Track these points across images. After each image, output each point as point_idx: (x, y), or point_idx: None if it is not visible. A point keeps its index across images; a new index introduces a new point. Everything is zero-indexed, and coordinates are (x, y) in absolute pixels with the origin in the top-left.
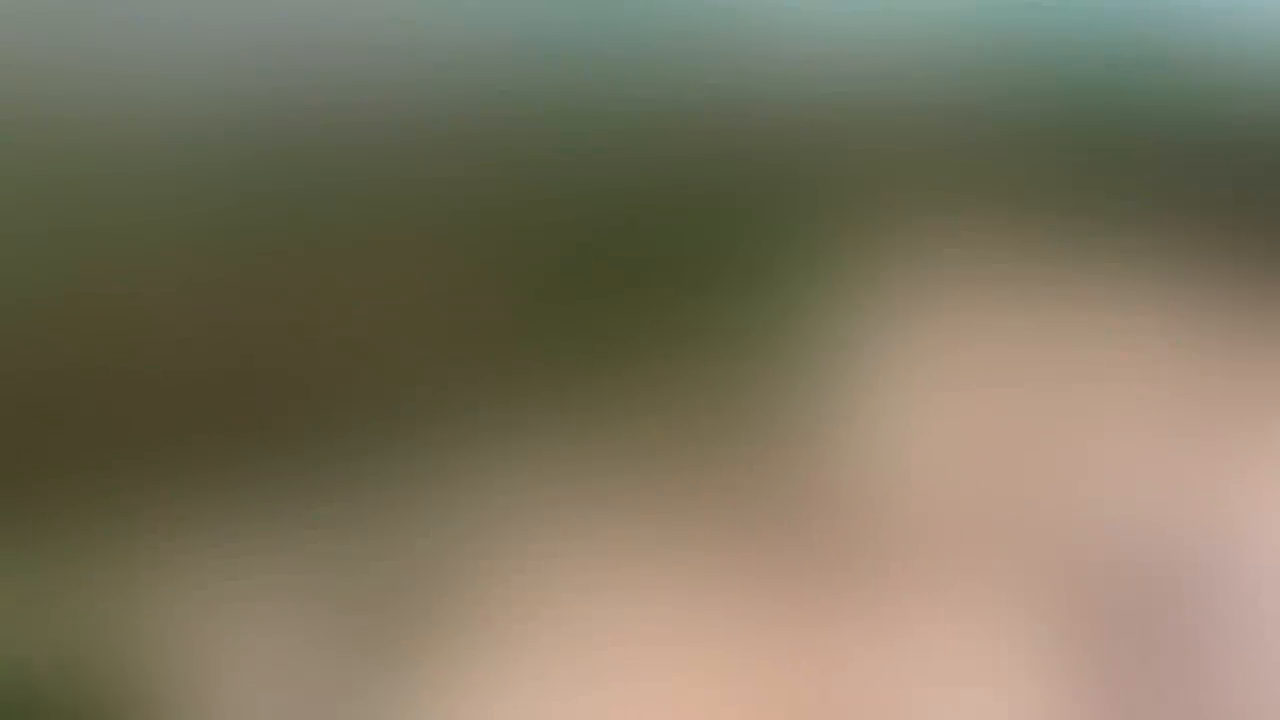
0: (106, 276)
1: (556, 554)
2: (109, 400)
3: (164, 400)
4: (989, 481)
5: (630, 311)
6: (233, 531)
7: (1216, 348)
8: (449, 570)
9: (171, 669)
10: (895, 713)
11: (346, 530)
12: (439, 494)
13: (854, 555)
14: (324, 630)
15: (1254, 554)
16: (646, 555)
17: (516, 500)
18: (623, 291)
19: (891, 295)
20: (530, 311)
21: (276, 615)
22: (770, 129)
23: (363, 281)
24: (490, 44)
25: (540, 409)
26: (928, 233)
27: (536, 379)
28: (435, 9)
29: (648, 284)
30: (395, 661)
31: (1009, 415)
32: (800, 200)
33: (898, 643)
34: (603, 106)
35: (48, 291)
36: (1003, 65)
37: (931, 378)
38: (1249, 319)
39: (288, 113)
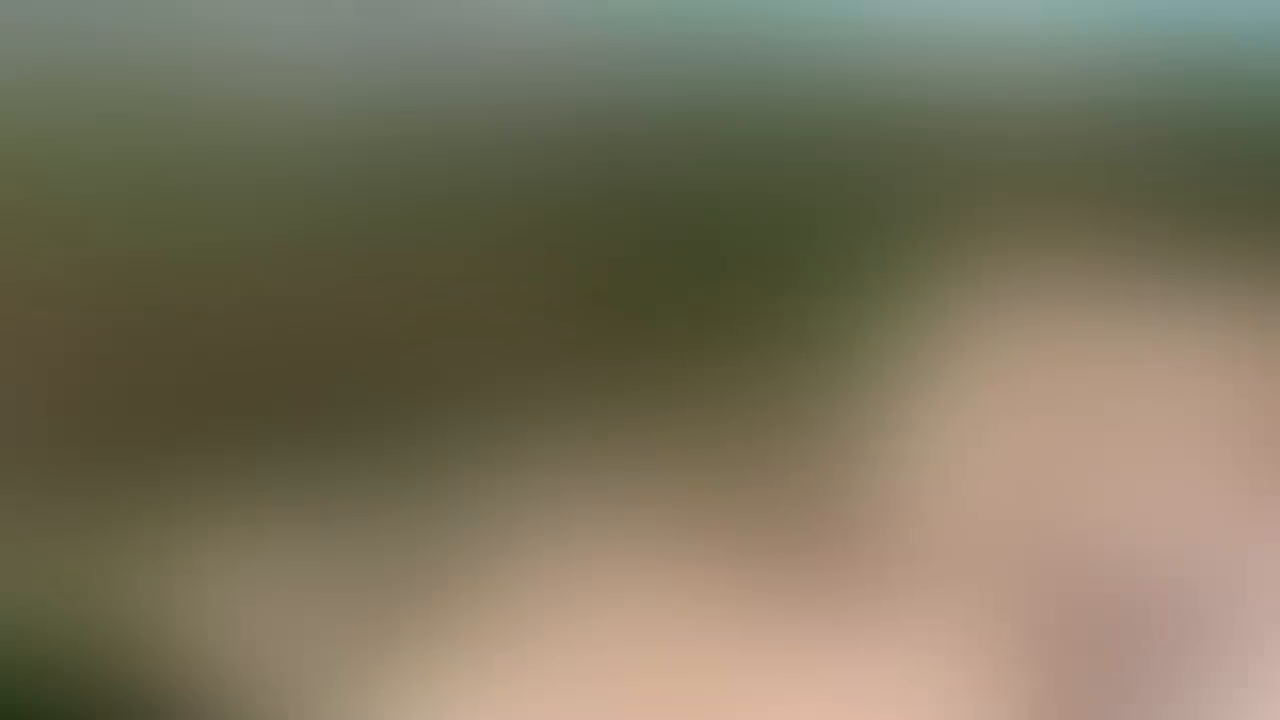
0: (152, 261)
1: (578, 554)
2: (128, 382)
3: (186, 385)
4: (1033, 509)
5: (684, 316)
6: (253, 517)
7: None
8: (465, 566)
9: (184, 654)
10: None
11: (371, 521)
12: (466, 488)
13: (876, 570)
14: (338, 621)
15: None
16: (672, 560)
17: (546, 499)
18: (681, 295)
19: (958, 312)
20: (574, 314)
21: (292, 603)
22: (854, 133)
23: (403, 274)
24: (574, 45)
25: (572, 408)
26: (1006, 248)
27: (573, 378)
28: (507, 10)
29: (700, 289)
30: (404, 656)
31: (1064, 439)
32: (869, 209)
33: (912, 658)
34: (688, 107)
35: (101, 271)
36: (1108, 71)
37: (990, 397)
38: None
39: (338, 116)
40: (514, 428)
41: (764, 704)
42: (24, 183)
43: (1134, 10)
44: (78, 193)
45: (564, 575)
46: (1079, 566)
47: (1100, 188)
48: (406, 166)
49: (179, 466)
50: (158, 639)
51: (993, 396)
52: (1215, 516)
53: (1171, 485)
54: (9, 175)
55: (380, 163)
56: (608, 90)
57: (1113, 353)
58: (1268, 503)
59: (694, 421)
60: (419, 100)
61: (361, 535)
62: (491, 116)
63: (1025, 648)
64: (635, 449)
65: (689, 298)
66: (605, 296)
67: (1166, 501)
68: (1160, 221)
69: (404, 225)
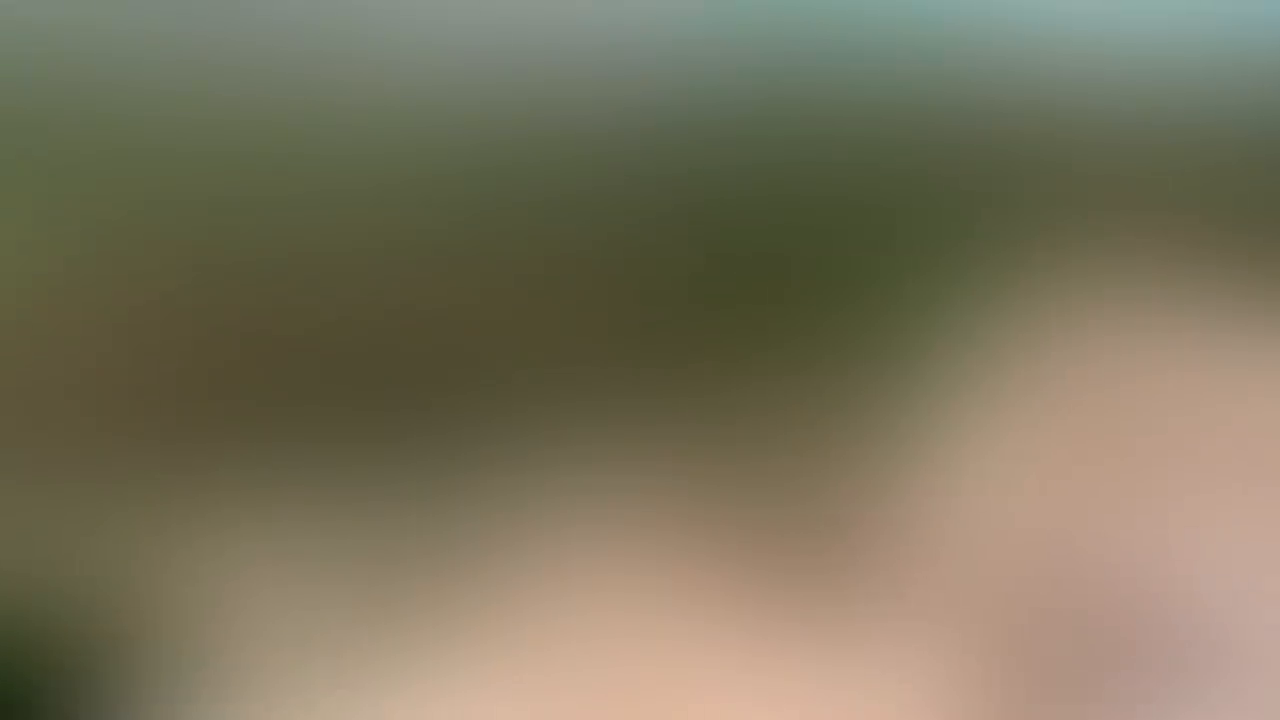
0: (175, 260)
1: (582, 554)
2: (146, 378)
3: (200, 379)
4: (1040, 521)
5: (692, 323)
6: (261, 511)
7: None
8: (470, 563)
9: (193, 643)
10: None
11: (378, 517)
12: (475, 487)
13: (879, 578)
14: (343, 615)
15: None
16: (673, 562)
17: (551, 499)
18: (690, 303)
19: (983, 327)
20: (584, 317)
21: (298, 596)
22: (935, 137)
23: (417, 275)
24: (619, 55)
25: (577, 410)
26: (1043, 264)
27: (579, 380)
28: (595, 12)
29: (709, 298)
30: (407, 649)
31: (1083, 454)
32: (886, 224)
33: (915, 668)
34: (722, 113)
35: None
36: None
37: (1009, 410)
38: None
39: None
40: (523, 428)
41: (762, 706)
42: (36, 177)
43: (1218, 24)
44: (85, 190)
45: (567, 575)
46: (1081, 580)
47: (1164, 202)
48: (422, 169)
49: (191, 460)
50: (166, 627)
51: (1013, 410)
52: (1224, 530)
53: (1191, 503)
54: (27, 170)
55: (391, 166)
56: (645, 97)
57: (1152, 370)
58: None
59: (701, 427)
60: (436, 107)
61: (368, 531)
62: (513, 121)
63: (1032, 661)
64: (641, 453)
65: (698, 306)
66: (613, 301)
67: (1179, 517)
68: (1225, 235)
69: (415, 226)
